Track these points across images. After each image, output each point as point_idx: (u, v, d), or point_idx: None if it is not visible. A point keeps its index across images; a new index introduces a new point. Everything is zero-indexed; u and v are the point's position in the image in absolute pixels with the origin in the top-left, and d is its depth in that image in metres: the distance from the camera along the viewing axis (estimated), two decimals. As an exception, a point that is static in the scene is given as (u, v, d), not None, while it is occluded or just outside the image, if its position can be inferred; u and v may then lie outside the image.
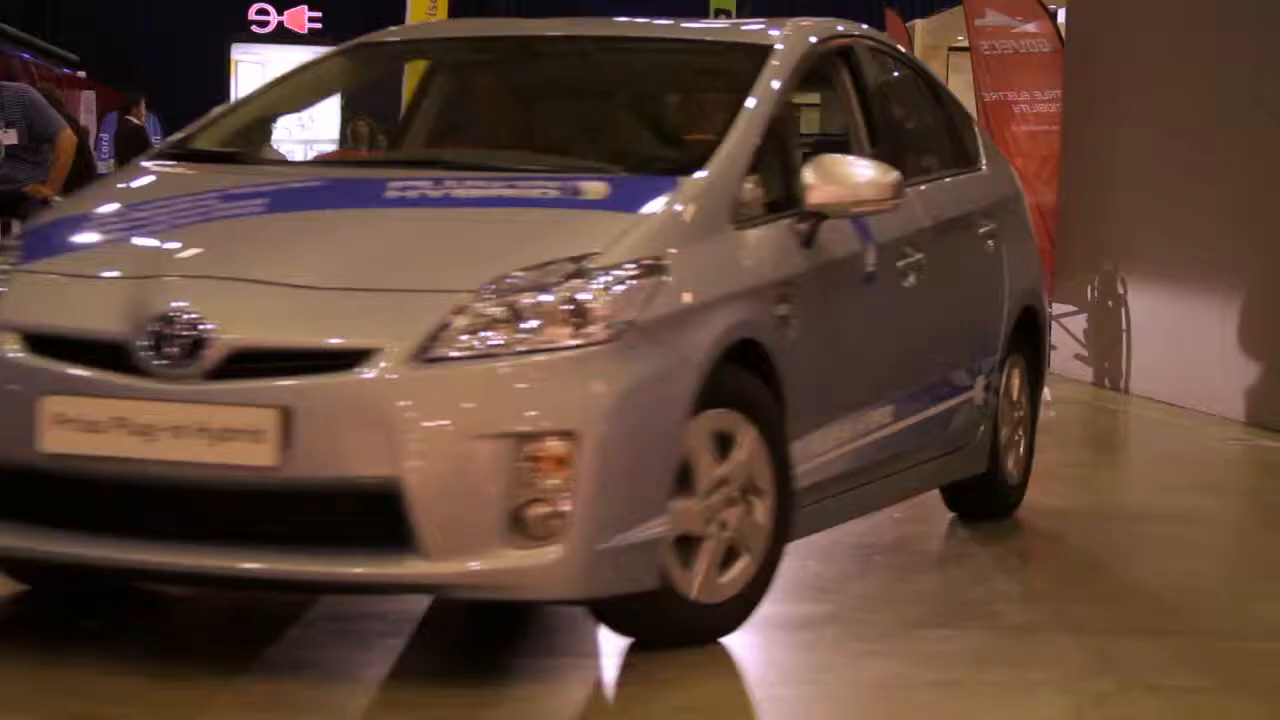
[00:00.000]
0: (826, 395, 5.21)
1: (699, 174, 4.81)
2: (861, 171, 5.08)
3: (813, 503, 5.13)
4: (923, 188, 6.03)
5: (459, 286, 4.25)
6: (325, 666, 4.40)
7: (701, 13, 29.40)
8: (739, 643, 4.65)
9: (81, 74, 23.77)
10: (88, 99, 21.17)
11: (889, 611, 5.17)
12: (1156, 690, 4.40)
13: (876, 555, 5.99)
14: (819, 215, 5.04)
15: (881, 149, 5.64)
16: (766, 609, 4.74)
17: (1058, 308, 12.14)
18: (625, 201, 4.71)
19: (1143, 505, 7.31)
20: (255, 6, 28.89)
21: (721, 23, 6.37)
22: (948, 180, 6.39)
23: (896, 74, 6.51)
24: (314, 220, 4.80)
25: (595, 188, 4.82)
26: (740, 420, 4.64)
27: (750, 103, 5.12)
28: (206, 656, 4.48)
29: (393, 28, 6.56)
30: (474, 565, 4.09)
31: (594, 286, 4.28)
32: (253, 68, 26.05)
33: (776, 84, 5.25)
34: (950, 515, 6.60)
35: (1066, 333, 12.06)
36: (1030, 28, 12.53)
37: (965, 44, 13.75)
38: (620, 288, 4.33)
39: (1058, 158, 12.28)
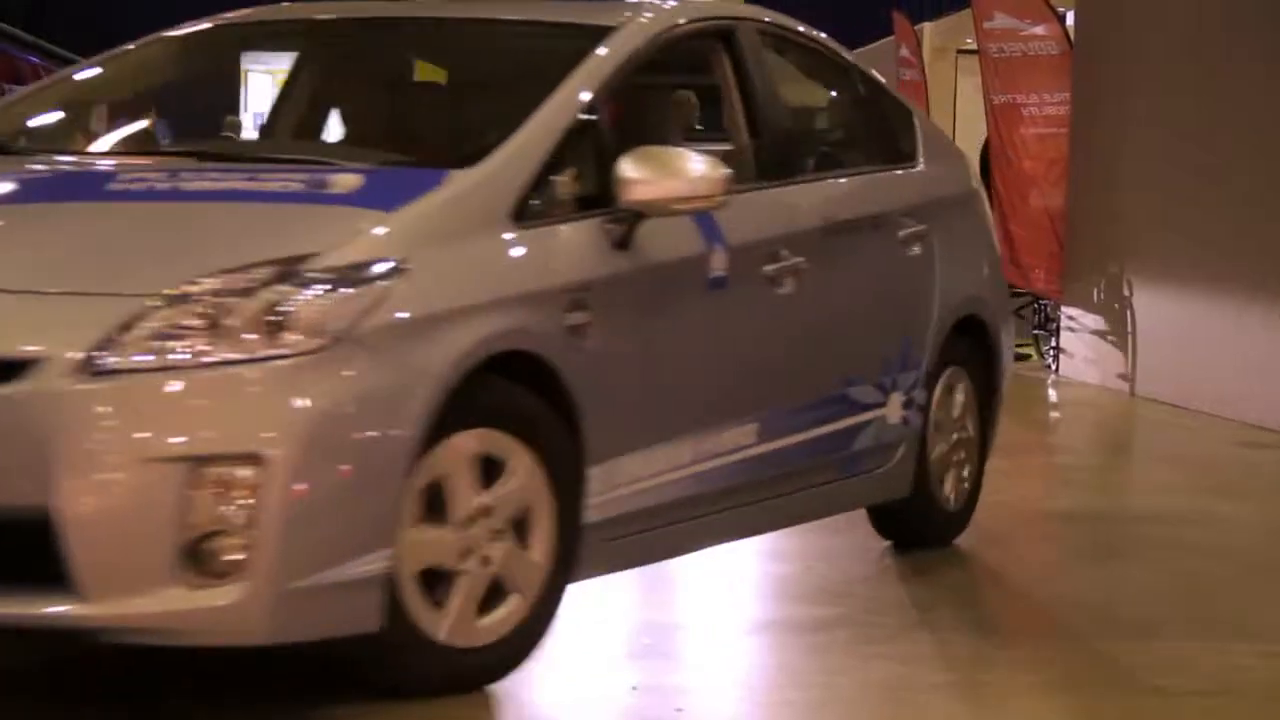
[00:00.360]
0: (647, 413, 4.67)
1: (475, 167, 4.37)
2: (684, 166, 4.55)
3: (632, 533, 4.64)
4: (814, 185, 5.55)
5: (144, 289, 3.81)
6: (330, 668, 4.42)
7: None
8: (748, 645, 4.67)
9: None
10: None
11: (898, 614, 5.18)
12: (1159, 692, 4.42)
13: (885, 558, 6.00)
14: (636, 214, 4.54)
15: (762, 142, 5.31)
16: (775, 612, 4.75)
17: (1066, 310, 12.16)
18: (376, 196, 4.29)
19: (1148, 507, 7.32)
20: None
21: (586, 3, 5.66)
22: (860, 177, 5.92)
23: (802, 62, 6.11)
24: (21, 214, 4.41)
25: (346, 181, 4.43)
26: (511, 443, 4.16)
27: (562, 90, 4.66)
28: (210, 658, 4.50)
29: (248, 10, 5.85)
30: (139, 606, 3.64)
31: (303, 293, 3.83)
32: (262, 77, 26.00)
33: (601, 69, 4.78)
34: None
35: (1074, 335, 12.06)
36: (1039, 30, 12.52)
37: (974, 47, 13.74)
38: (333, 294, 3.86)
39: (1066, 160, 12.28)
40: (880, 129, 6.29)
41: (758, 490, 5.17)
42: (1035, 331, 13.00)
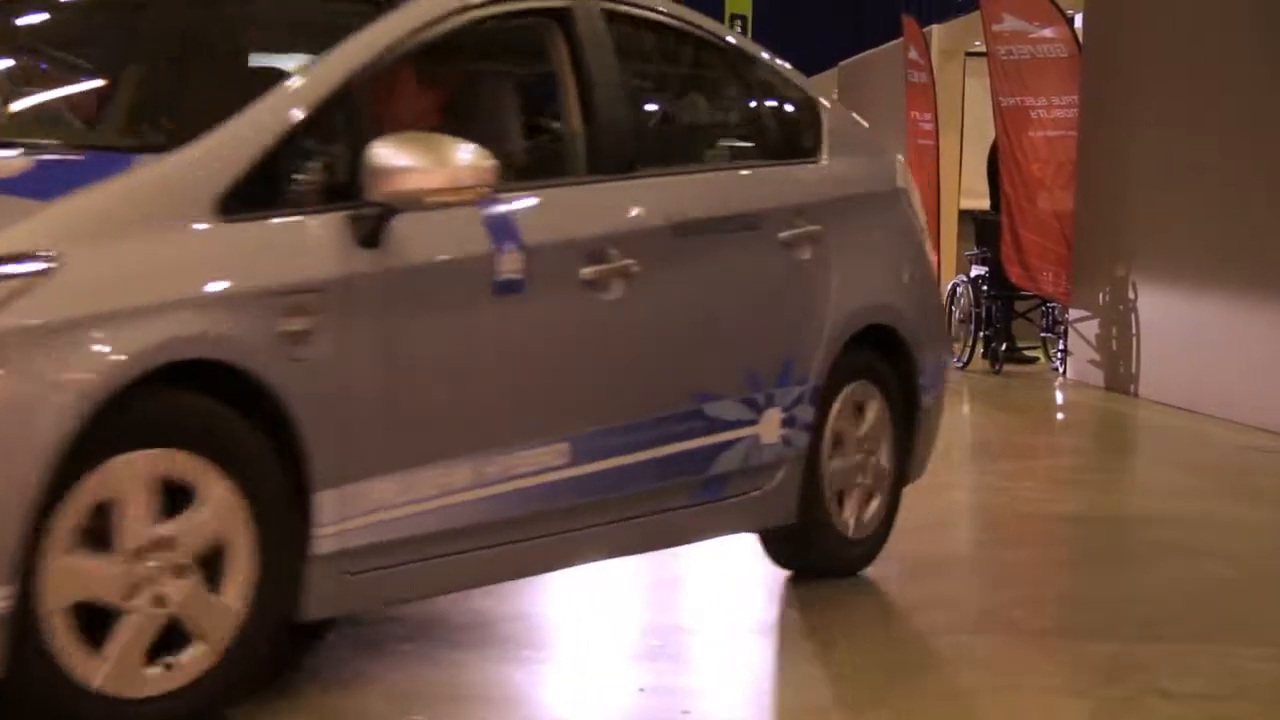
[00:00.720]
0: (402, 431, 4.12)
1: (172, 153, 3.89)
2: (442, 154, 4.08)
3: (389, 565, 4.13)
4: (662, 180, 4.97)
5: None
6: (340, 672, 4.44)
7: (716, 14, 29.44)
8: (756, 647, 4.67)
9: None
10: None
11: (906, 616, 5.19)
12: (1169, 697, 4.42)
13: (893, 561, 6.00)
14: (386, 207, 4.05)
15: (597, 130, 4.77)
16: (783, 614, 4.75)
17: (1074, 312, 12.16)
18: (36, 184, 3.83)
19: (1155, 510, 7.32)
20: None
21: None
22: (728, 173, 5.43)
23: (668, 47, 5.57)
24: None
25: (9, 165, 3.99)
26: (200, 466, 3.67)
27: (315, 67, 4.19)
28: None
29: None
30: None
31: None
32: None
33: (364, 47, 4.25)
34: (967, 521, 6.60)
35: (1081, 338, 12.07)
36: (1047, 33, 12.52)
37: (983, 49, 13.74)
38: None
39: (1074, 163, 12.28)
40: (772, 120, 5.78)
41: (576, 517, 4.60)
42: (1043, 334, 13.01)
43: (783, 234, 5.28)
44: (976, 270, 12.99)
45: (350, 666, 4.44)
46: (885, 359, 5.63)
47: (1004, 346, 12.76)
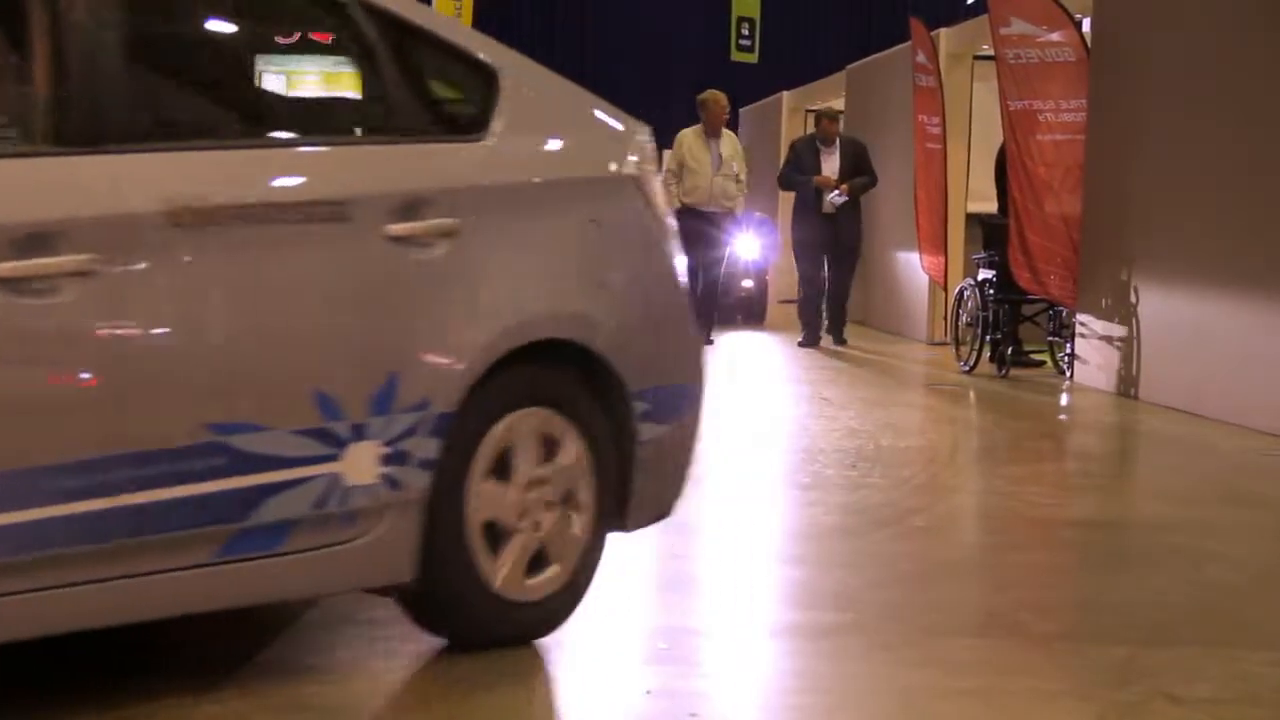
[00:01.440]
0: None
1: None
2: None
3: None
4: (166, 156, 4.08)
5: None
6: (345, 669, 4.44)
7: (724, 17, 29.46)
8: (763, 650, 4.67)
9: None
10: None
11: (912, 620, 5.19)
12: (1177, 701, 4.42)
13: (901, 564, 6.01)
14: None
15: (72, 93, 3.90)
16: (790, 617, 4.75)
17: (1081, 316, 12.16)
18: None
19: (1165, 515, 7.32)
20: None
21: None
22: (292, 151, 4.45)
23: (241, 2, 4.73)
24: None
25: None
26: None
27: None
28: (223, 661, 4.52)
29: None
30: None
31: None
32: (276, 79, 26.06)
33: None
34: (974, 525, 6.60)
35: (1088, 341, 12.07)
36: (1055, 36, 12.51)
37: (991, 53, 13.73)
38: None
39: (1082, 166, 12.28)
40: (400, 91, 4.60)
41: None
42: (1050, 338, 13.00)
43: (392, 227, 4.32)
44: (984, 274, 12.99)
45: (352, 666, 4.45)
46: (586, 383, 4.70)
47: (1010, 350, 12.77)
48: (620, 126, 5.06)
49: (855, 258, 15.51)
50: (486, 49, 4.81)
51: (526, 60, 4.97)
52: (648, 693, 4.36)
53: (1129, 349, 11.49)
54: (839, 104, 18.27)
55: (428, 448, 4.31)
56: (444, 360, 4.37)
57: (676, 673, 4.58)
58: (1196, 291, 10.71)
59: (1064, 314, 12.58)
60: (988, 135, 14.67)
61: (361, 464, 4.22)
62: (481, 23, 22.30)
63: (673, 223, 5.10)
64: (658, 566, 5.84)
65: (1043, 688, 4.54)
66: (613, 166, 4.95)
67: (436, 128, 4.69)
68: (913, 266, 16.07)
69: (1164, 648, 4.97)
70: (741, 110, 25.67)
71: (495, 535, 4.51)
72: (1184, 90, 10.97)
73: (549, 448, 4.62)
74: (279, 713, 4.08)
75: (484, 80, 4.73)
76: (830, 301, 15.34)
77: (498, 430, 4.49)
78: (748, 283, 17.67)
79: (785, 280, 18.66)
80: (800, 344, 15.09)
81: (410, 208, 4.37)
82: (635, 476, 4.82)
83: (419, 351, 4.34)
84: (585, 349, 4.65)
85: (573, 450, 4.66)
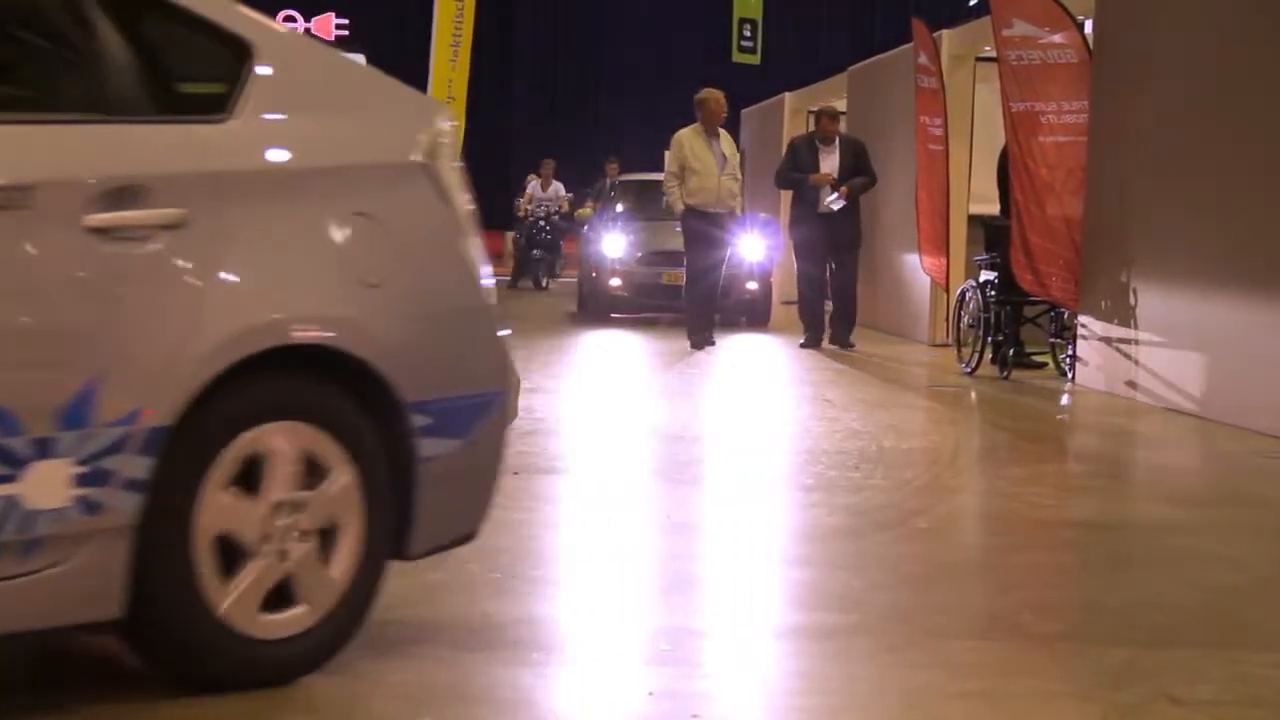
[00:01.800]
0: None
1: None
2: None
3: None
4: None
5: None
6: (348, 672, 4.44)
7: (725, 20, 29.49)
8: (766, 651, 4.67)
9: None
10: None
11: (916, 622, 5.19)
12: (1179, 703, 4.42)
13: (904, 566, 6.01)
14: None
15: None
16: (793, 618, 4.75)
17: (1082, 318, 12.16)
18: None
19: (1166, 517, 7.32)
20: (282, 13, 29.02)
21: None
22: None
23: None
24: None
25: None
26: None
27: None
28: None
29: None
30: None
31: None
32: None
33: None
34: (976, 526, 6.60)
35: (1090, 343, 12.07)
36: (1057, 38, 12.51)
37: (993, 54, 13.73)
38: None
39: (1084, 168, 12.28)
40: (124, 62, 4.06)
41: None
42: (1051, 340, 13.01)
43: (91, 217, 3.84)
44: (985, 275, 12.99)
45: (358, 666, 4.45)
46: (355, 394, 4.26)
47: (1012, 352, 12.77)
48: (411, 109, 4.62)
49: (856, 256, 15.49)
50: (239, 22, 4.29)
51: (294, 34, 4.56)
52: (650, 694, 4.36)
53: (1130, 351, 11.49)
54: (840, 105, 18.27)
55: (136, 466, 3.83)
56: (157, 368, 3.88)
57: (679, 674, 4.58)
58: (1198, 293, 10.72)
59: (1065, 316, 12.59)
60: (990, 137, 14.68)
61: (46, 485, 3.71)
62: (482, 23, 22.30)
63: (472, 212, 4.63)
64: (660, 567, 5.84)
65: (1045, 689, 4.54)
66: (395, 153, 4.47)
67: (163, 106, 4.15)
68: (914, 268, 16.08)
69: (1166, 649, 4.97)
70: (743, 111, 25.67)
71: (231, 558, 4.05)
72: (1185, 92, 10.97)
73: (313, 471, 4.18)
74: (279, 712, 4.08)
75: (233, 55, 4.23)
76: (835, 302, 15.29)
77: (240, 444, 4.03)
78: (752, 284, 17.52)
79: (789, 282, 18.65)
80: (802, 345, 15.09)
81: (116, 196, 3.88)
82: (419, 498, 4.37)
83: (126, 358, 3.84)
84: (349, 356, 4.21)
85: (337, 471, 4.21)
